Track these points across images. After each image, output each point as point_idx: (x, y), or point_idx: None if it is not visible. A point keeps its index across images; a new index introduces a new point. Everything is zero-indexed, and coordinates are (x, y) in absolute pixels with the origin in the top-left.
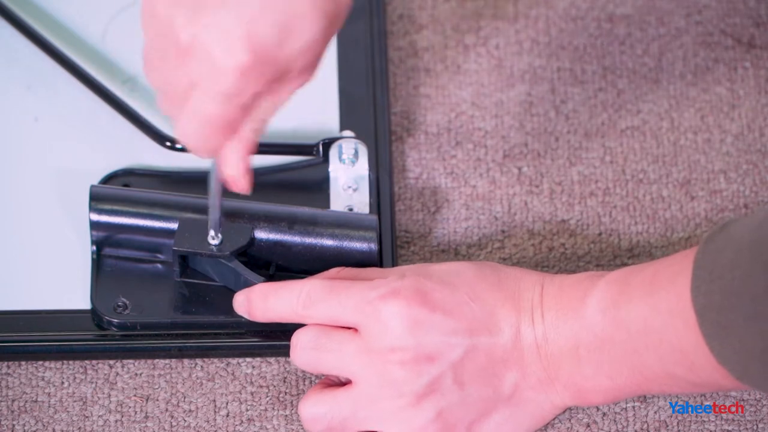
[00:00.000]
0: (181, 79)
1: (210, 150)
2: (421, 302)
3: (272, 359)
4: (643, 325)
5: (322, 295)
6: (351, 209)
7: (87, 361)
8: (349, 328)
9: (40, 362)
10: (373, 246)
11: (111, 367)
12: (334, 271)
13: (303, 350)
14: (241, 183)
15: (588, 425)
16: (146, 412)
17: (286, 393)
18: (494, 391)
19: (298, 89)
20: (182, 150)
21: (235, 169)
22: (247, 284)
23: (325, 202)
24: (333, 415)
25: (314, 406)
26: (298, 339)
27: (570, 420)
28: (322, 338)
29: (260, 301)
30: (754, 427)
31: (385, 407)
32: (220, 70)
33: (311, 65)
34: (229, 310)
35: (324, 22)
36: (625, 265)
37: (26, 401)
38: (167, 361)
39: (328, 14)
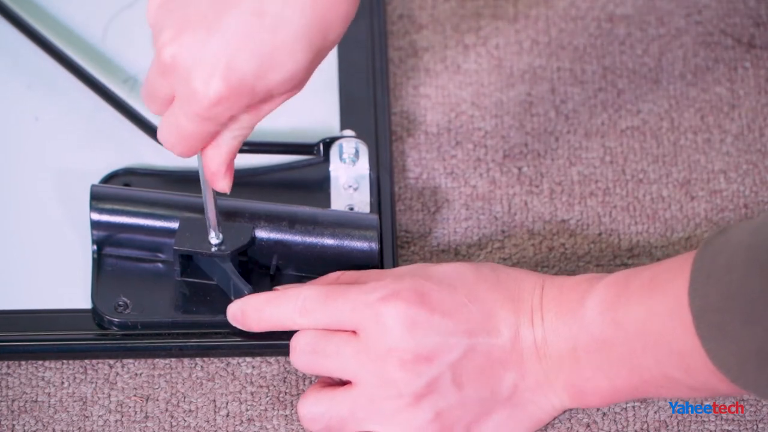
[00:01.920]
0: (163, 86)
1: (188, 155)
2: (419, 303)
3: (272, 359)
4: (641, 326)
5: (319, 302)
6: (352, 208)
7: (87, 361)
8: (348, 330)
9: (40, 362)
10: (374, 245)
11: (111, 367)
12: (333, 276)
13: (302, 353)
14: (220, 183)
15: (588, 425)
16: (146, 412)
17: (286, 393)
18: (492, 392)
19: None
20: None
21: (215, 168)
22: (236, 288)
23: (326, 201)
24: (332, 415)
25: (313, 406)
26: (297, 342)
27: (570, 420)
28: (321, 341)
29: (255, 312)
30: (754, 427)
31: (383, 407)
32: (196, 95)
33: (296, 88)
34: None
35: (309, 55)
36: (625, 265)
37: (26, 401)
38: (167, 361)
39: (314, 46)
